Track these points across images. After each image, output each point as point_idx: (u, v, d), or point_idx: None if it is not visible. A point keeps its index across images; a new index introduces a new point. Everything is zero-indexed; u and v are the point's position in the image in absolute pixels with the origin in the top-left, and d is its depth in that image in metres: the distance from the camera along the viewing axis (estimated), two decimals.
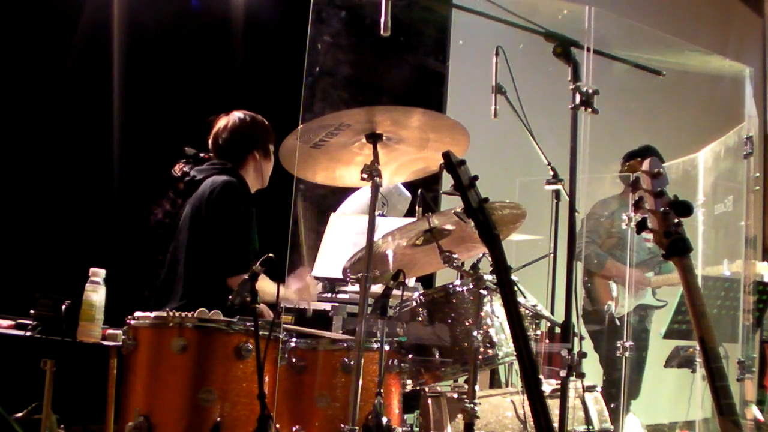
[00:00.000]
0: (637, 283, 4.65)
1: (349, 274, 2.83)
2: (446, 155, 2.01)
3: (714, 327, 1.95)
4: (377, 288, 2.76)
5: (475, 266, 2.84)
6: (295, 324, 3.06)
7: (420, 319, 2.80)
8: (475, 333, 2.70)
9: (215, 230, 3.03)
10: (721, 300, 4.14)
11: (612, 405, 3.50)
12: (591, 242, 4.66)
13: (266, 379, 2.31)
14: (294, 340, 2.51)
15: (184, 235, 3.12)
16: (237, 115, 3.31)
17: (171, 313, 2.35)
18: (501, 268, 1.94)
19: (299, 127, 2.54)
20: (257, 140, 3.30)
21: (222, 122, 3.31)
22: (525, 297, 3.15)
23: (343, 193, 3.95)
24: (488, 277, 2.80)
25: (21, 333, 2.97)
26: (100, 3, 4.24)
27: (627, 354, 3.92)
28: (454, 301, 2.80)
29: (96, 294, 3.00)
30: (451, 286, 2.83)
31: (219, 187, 3.09)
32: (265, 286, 2.61)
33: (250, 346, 2.31)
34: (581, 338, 3.09)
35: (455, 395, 2.89)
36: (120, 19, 4.29)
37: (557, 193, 3.19)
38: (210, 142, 3.33)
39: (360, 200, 3.89)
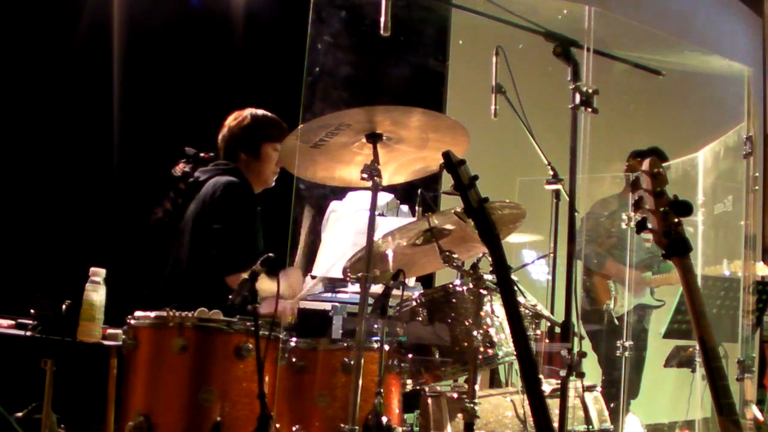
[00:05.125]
0: (636, 285, 4.65)
1: (349, 274, 2.83)
2: (446, 155, 2.01)
3: (714, 327, 1.95)
4: (377, 288, 2.76)
5: (475, 266, 2.84)
6: (296, 326, 3.06)
7: (420, 318, 2.80)
8: (475, 333, 2.70)
9: (216, 231, 3.03)
10: (721, 300, 4.14)
11: (612, 405, 3.50)
12: (590, 242, 4.66)
13: (266, 378, 2.31)
14: (294, 339, 2.51)
15: (187, 235, 3.13)
16: (243, 113, 3.32)
17: (171, 313, 2.35)
18: (501, 268, 1.94)
19: (299, 127, 2.54)
20: (242, 142, 3.28)
21: (228, 120, 3.32)
22: (525, 297, 3.15)
23: (343, 192, 3.95)
24: (488, 277, 2.80)
25: (21, 333, 2.97)
26: (100, 2, 4.24)
27: (627, 354, 3.92)
28: (454, 300, 2.80)
29: (96, 294, 3.00)
30: (451, 285, 2.83)
31: (221, 187, 3.10)
32: (263, 284, 2.61)
33: (250, 345, 2.31)
34: (581, 338, 3.09)
35: (455, 395, 2.89)
36: (120, 19, 4.29)
37: (557, 193, 3.19)
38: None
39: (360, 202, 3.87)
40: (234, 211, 3.07)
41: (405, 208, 3.83)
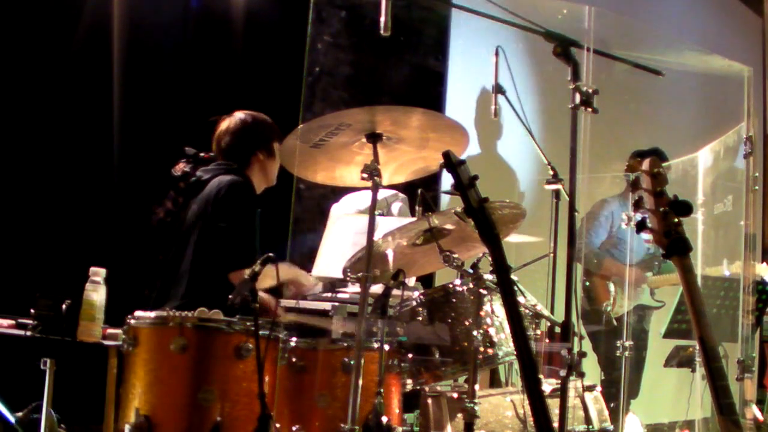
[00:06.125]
0: (636, 280, 4.65)
1: (349, 274, 2.83)
2: (446, 155, 2.01)
3: (714, 327, 1.95)
4: (377, 288, 2.76)
5: (475, 266, 2.84)
6: (296, 326, 3.06)
7: (420, 318, 2.80)
8: (474, 333, 2.70)
9: (220, 229, 3.04)
10: (721, 300, 4.14)
11: (612, 405, 3.50)
12: (590, 242, 4.66)
13: (266, 378, 2.31)
14: (294, 339, 2.51)
15: (190, 234, 3.13)
16: (238, 116, 3.31)
17: (171, 313, 2.35)
18: (501, 268, 1.94)
19: (299, 127, 2.54)
20: (260, 141, 3.30)
21: (224, 124, 3.32)
22: (525, 297, 3.16)
23: (343, 192, 3.95)
24: (488, 276, 2.80)
25: (21, 333, 2.97)
26: (100, 2, 4.24)
27: (626, 354, 3.92)
28: (454, 300, 2.80)
29: (96, 293, 2.99)
30: (451, 285, 2.83)
31: (225, 186, 3.10)
32: (266, 281, 2.61)
33: (250, 345, 2.31)
34: (581, 338, 3.09)
35: (455, 395, 2.89)
36: (120, 18, 4.29)
37: (557, 193, 3.19)
38: (213, 144, 3.33)
39: (359, 202, 3.88)
40: (239, 210, 3.08)
41: (396, 207, 3.83)
